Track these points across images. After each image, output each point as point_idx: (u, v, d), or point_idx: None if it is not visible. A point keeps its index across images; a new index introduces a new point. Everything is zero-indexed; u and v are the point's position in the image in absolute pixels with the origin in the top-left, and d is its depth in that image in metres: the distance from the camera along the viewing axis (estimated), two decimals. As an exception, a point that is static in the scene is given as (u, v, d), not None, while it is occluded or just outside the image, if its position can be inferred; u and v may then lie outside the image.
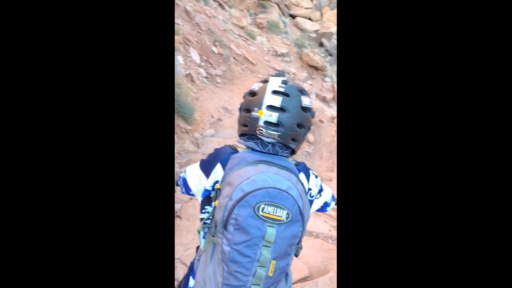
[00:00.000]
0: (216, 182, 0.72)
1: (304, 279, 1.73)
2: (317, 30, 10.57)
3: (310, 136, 5.59)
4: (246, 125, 0.74)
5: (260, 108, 0.70)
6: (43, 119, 0.59)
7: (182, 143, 3.45)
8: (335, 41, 10.35)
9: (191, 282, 0.80)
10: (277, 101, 0.69)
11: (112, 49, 0.63)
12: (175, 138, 3.35)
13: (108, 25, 0.63)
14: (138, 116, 0.64)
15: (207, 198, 0.74)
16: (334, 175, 3.75)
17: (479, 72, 0.59)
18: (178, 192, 2.73)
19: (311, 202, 0.79)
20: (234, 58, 6.90)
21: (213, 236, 0.66)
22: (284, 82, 0.71)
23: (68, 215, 0.59)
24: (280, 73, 0.75)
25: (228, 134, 4.03)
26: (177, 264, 1.66)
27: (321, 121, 6.21)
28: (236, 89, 6.19)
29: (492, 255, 0.56)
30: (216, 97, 5.43)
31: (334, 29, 10.34)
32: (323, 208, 0.88)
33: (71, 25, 0.61)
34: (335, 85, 8.24)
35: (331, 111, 6.99)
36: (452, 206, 0.58)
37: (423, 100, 0.61)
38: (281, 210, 0.61)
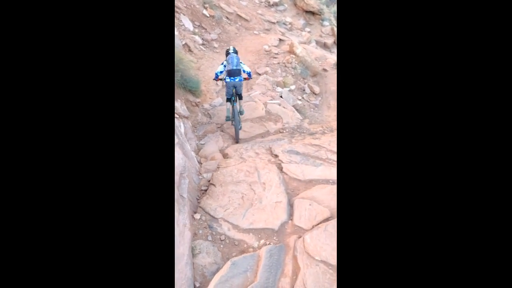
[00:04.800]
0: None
1: (327, 219, 2.03)
2: (308, -32, 9.71)
3: (315, 87, 5.57)
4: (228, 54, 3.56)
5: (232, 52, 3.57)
6: (43, 114, 0.61)
7: (195, 117, 3.61)
8: (330, -22, 9.53)
9: None
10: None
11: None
12: (188, 113, 3.50)
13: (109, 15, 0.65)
14: (138, 110, 0.72)
15: None
16: (343, 123, 3.86)
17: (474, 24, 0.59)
18: (206, 163, 2.90)
19: None
20: (227, 18, 6.62)
21: None
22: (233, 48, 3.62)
23: (65, 212, 0.61)
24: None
25: (236, 100, 4.10)
26: (221, 222, 1.99)
27: (324, 69, 6.09)
28: (235, 51, 6.07)
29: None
30: (216, 63, 5.38)
31: (326, -37, 9.43)
32: None
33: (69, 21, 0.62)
34: (335, 29, 7.86)
35: (334, 57, 6.77)
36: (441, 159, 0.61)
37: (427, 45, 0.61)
38: None
